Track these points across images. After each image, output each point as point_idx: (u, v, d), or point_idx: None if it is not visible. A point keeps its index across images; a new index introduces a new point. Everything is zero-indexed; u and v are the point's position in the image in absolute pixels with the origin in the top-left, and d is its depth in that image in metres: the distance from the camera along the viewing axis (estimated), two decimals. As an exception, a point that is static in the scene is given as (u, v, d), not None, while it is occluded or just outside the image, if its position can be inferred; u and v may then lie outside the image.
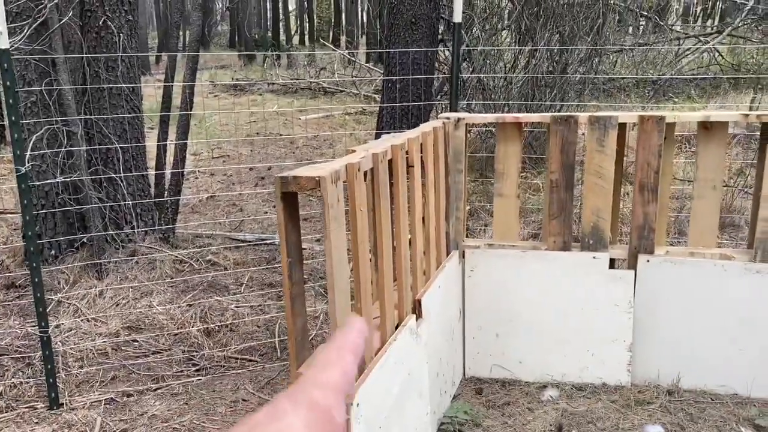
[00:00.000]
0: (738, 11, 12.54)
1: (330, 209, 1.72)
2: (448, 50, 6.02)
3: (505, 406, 2.97)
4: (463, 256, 3.20)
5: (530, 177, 6.18)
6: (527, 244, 3.25)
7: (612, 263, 3.07)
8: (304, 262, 4.56)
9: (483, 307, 3.20)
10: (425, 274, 2.74)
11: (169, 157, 4.86)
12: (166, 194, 4.80)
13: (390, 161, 2.30)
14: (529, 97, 6.22)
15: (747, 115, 3.05)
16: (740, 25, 11.86)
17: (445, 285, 2.92)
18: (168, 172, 4.82)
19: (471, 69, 6.75)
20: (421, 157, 2.64)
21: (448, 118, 3.10)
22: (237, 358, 3.46)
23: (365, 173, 2.04)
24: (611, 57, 10.00)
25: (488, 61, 6.64)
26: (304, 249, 4.77)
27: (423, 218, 2.71)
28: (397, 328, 2.38)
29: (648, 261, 3.01)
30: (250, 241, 4.96)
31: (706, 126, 2.99)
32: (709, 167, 3.02)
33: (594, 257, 3.04)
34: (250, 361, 3.43)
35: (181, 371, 3.34)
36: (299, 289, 1.77)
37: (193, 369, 3.36)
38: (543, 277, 3.11)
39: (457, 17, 3.48)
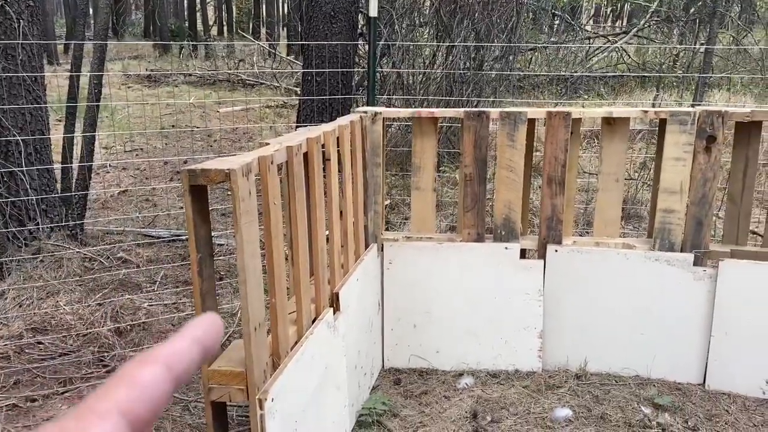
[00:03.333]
0: (643, 13, 13.22)
1: (241, 203, 1.69)
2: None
3: (423, 395, 3.03)
4: (382, 249, 3.23)
5: (449, 171, 6.30)
6: (443, 237, 3.32)
7: (523, 254, 3.18)
8: (223, 258, 4.48)
9: (401, 299, 3.24)
10: (343, 268, 2.75)
11: (77, 151, 4.64)
12: (73, 189, 4.58)
13: (306, 154, 2.29)
14: (447, 93, 6.33)
15: (647, 112, 3.23)
16: (645, 26, 12.51)
17: (363, 278, 2.94)
18: (75, 165, 4.60)
19: (391, 64, 6.79)
20: (338, 150, 2.64)
21: (365, 112, 3.12)
22: (150, 358, 3.35)
23: (279, 166, 2.02)
24: (526, 55, 10.32)
25: (407, 57, 6.70)
26: (223, 245, 4.67)
27: (341, 212, 2.71)
28: (314, 322, 2.37)
29: (556, 251, 3.13)
30: (163, 238, 4.81)
31: (609, 122, 3.14)
32: (612, 161, 3.17)
33: (506, 248, 3.14)
34: (165, 360, 3.34)
35: (91, 373, 3.20)
36: (210, 286, 1.74)
37: (104, 370, 3.23)
38: (458, 268, 3.18)
39: (373, 11, 3.49)
